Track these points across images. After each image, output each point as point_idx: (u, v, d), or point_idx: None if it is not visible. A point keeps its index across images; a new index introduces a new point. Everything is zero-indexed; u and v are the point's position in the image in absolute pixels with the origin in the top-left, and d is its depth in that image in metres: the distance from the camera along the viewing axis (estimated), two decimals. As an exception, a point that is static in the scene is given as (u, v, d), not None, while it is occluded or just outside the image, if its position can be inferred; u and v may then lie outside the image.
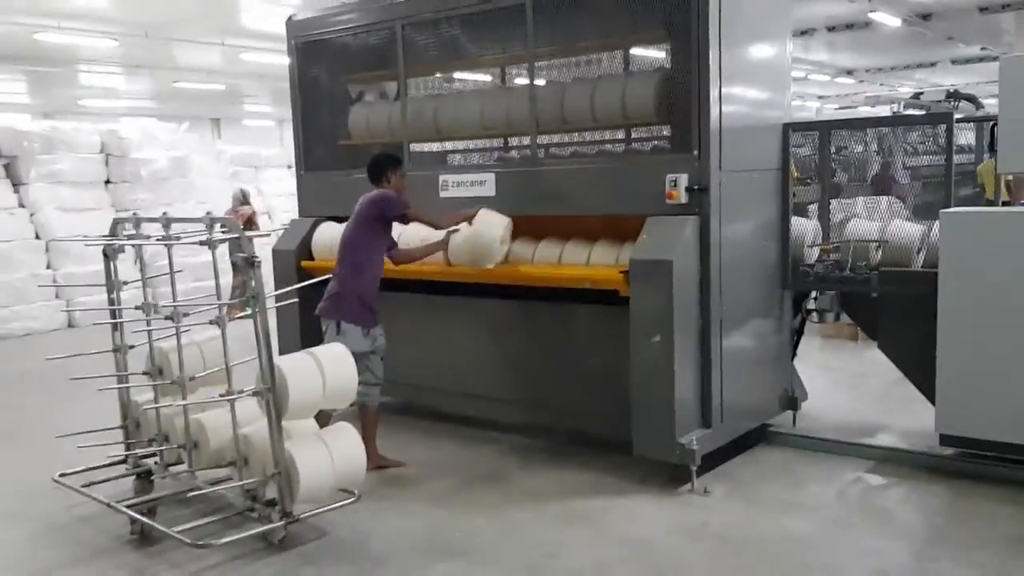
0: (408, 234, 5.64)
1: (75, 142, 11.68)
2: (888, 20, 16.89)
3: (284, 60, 19.41)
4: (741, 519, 4.40)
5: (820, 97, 33.61)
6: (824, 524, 4.31)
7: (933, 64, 25.71)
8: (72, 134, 11.75)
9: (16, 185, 11.28)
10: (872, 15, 16.51)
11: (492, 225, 5.28)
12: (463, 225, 5.36)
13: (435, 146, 6.58)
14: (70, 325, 11.02)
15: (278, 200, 17.25)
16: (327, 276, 4.97)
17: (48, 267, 11.08)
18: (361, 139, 6.49)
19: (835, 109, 36.01)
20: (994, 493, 4.57)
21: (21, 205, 11.20)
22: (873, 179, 10.34)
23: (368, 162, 5.30)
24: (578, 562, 3.97)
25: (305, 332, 5.71)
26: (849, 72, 27.12)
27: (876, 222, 5.94)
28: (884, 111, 19.49)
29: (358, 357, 4.51)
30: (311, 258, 6.30)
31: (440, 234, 5.35)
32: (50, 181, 11.37)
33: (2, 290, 10.49)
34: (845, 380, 7.07)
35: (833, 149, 8.33)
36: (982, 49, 22.96)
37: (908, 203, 7.49)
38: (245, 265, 3.95)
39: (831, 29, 18.65)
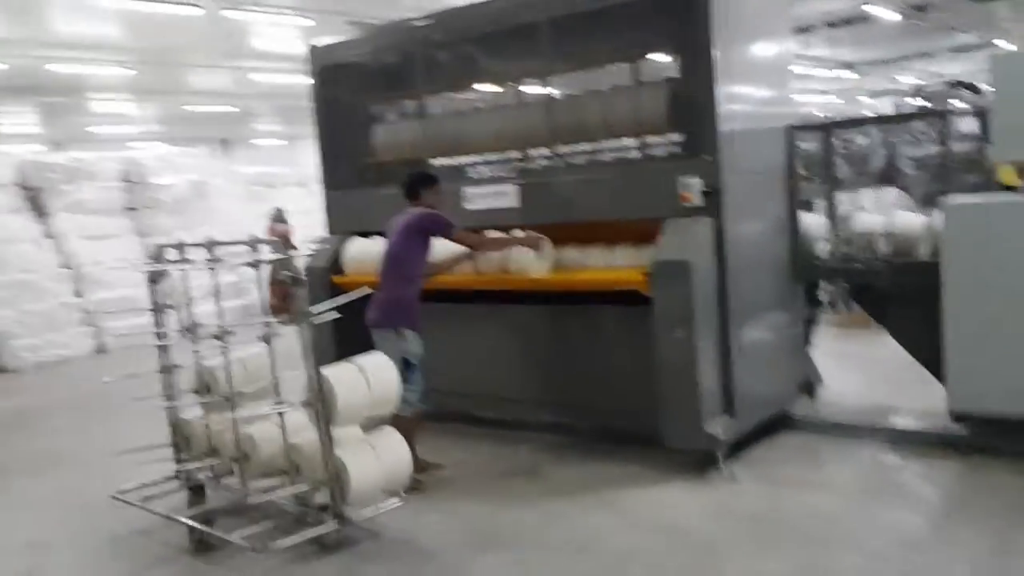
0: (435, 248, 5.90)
1: (96, 171, 11.99)
2: (885, 13, 17.14)
3: (293, 79, 19.75)
4: (767, 500, 4.65)
5: (823, 92, 33.83)
6: (845, 501, 4.56)
7: (931, 54, 25.92)
8: (93, 163, 12.07)
9: (41, 216, 11.60)
10: (869, 8, 16.76)
11: (525, 263, 5.55)
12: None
13: (457, 160, 6.83)
14: (99, 351, 11.31)
15: (294, 217, 17.53)
16: (365, 293, 5.12)
17: (77, 295, 11.37)
18: (385, 157, 6.77)
19: (838, 102, 36.30)
20: (1006, 465, 4.80)
21: (47, 236, 11.51)
22: (878, 171, 10.55)
23: (404, 180, 5.52)
24: (618, 546, 4.23)
25: (339, 345, 5.96)
26: (850, 66, 27.35)
27: (882, 214, 6.19)
28: (887, 103, 19.72)
29: (421, 361, 4.76)
30: (341, 273, 6.56)
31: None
32: (74, 211, 11.69)
33: (34, 319, 10.78)
34: (859, 366, 7.29)
35: (836, 146, 8.57)
36: (978, 37, 23.17)
37: (914, 193, 7.71)
38: (292, 284, 4.22)
39: (830, 25, 18.90)
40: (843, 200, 6.31)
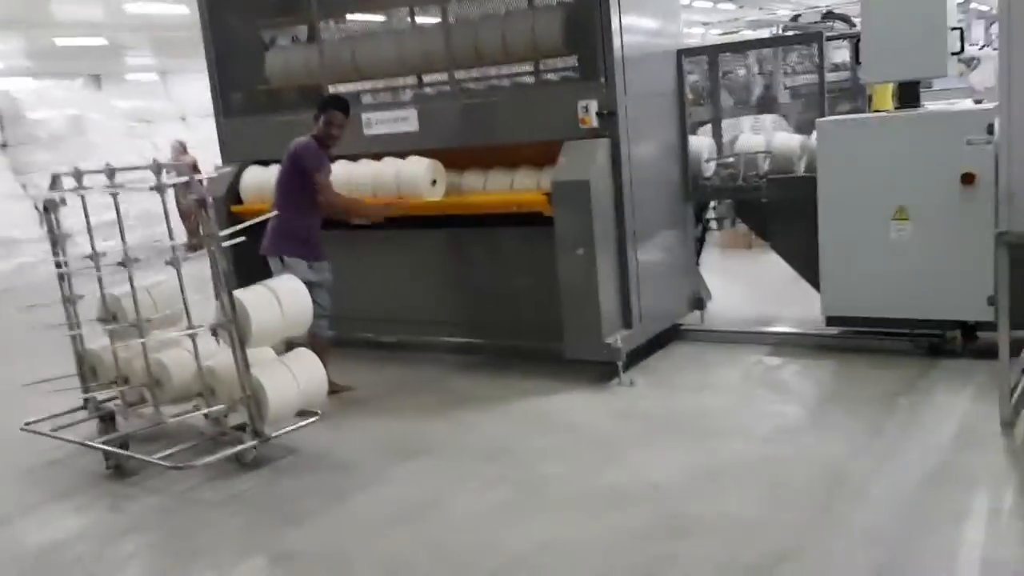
0: (359, 172, 5.97)
1: (-34, 107, 11.36)
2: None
3: (169, 9, 18.88)
4: (663, 402, 5.00)
5: (704, 24, 34.48)
6: (732, 398, 4.97)
7: (807, -14, 26.71)
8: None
9: (-93, 154, 10.95)
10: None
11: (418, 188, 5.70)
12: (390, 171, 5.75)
13: (354, 87, 6.81)
14: (-18, 288, 10.87)
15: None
16: (267, 216, 5.17)
17: (-50, 236, 10.86)
18: (279, 83, 6.70)
19: (719, 35, 37.07)
20: (873, 361, 5.30)
21: (-85, 174, 10.89)
22: (757, 100, 11.03)
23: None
24: (529, 447, 4.50)
25: (242, 272, 5.97)
26: (730, -2, 27.92)
27: (762, 136, 6.56)
28: (765, 35, 20.35)
29: (317, 287, 4.87)
30: (240, 202, 6.52)
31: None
32: (-57, 147, 11.08)
33: (-95, 262, 10.26)
34: (743, 282, 7.76)
35: (720, 74, 8.89)
36: (852, -32, 24.02)
37: (791, 120, 8.13)
38: (198, 207, 4.23)
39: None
40: (727, 124, 6.66)
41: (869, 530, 3.37)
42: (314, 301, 5.12)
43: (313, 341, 5.22)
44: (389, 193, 5.85)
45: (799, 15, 22.38)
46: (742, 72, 9.90)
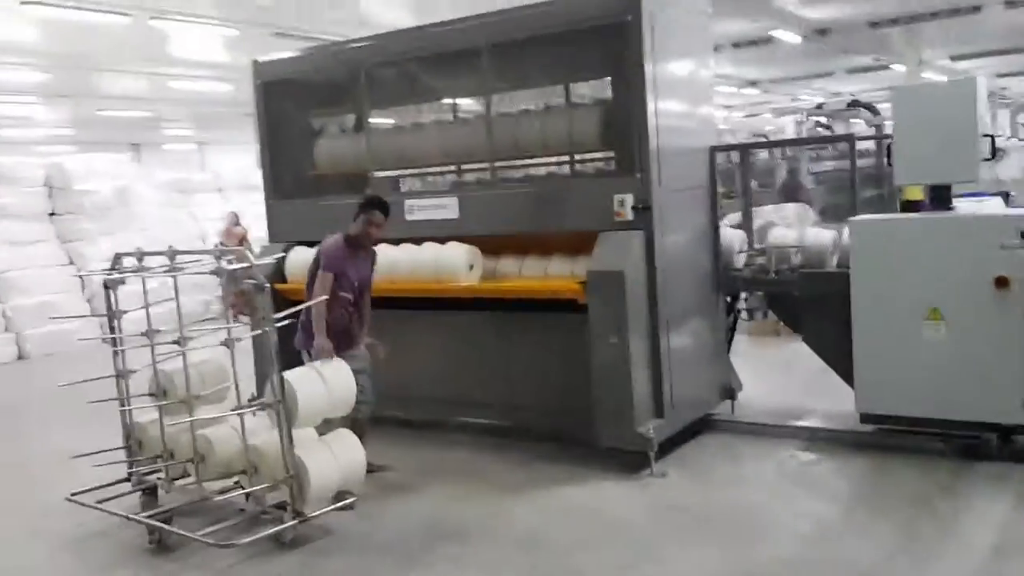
0: (399, 255, 6.19)
1: (19, 176, 11.82)
2: (789, 37, 18.07)
3: (210, 86, 19.70)
4: (695, 495, 5.05)
5: (727, 107, 35.14)
6: (765, 495, 5.00)
7: (831, 73, 27.29)
8: (16, 168, 11.88)
9: (-38, 222, 11.37)
10: (774, 33, 17.65)
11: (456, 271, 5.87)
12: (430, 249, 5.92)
13: (398, 174, 7.08)
14: (20, 357, 11.12)
15: (211, 224, 17.38)
16: (318, 301, 5.31)
17: (-5, 301, 11.17)
18: (327, 169, 6.98)
19: (742, 117, 37.71)
20: (907, 461, 5.31)
21: (-35, 240, 11.28)
22: (782, 186, 11.23)
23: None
24: (560, 538, 4.56)
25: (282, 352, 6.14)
26: (753, 83, 28.53)
27: (794, 228, 6.71)
28: (788, 121, 20.74)
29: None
30: (284, 281, 6.73)
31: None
32: (-3, 216, 11.50)
33: (-48, 326, 10.56)
34: (773, 371, 7.82)
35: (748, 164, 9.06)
36: (875, 59, 24.53)
37: (815, 207, 8.28)
38: (256, 291, 4.42)
39: (736, 45, 19.79)
40: (757, 215, 6.81)
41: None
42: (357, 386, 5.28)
43: (353, 423, 5.34)
44: (427, 276, 6.04)
45: (823, 103, 22.75)
46: (765, 156, 10.12)
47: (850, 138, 6.10)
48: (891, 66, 24.81)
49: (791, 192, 10.85)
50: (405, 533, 4.74)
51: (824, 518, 4.64)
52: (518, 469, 5.67)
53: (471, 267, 5.99)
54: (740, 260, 6.42)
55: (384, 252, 6.15)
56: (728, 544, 4.36)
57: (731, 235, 6.47)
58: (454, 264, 5.95)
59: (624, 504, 4.97)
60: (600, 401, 5.46)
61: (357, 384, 5.24)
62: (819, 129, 17.22)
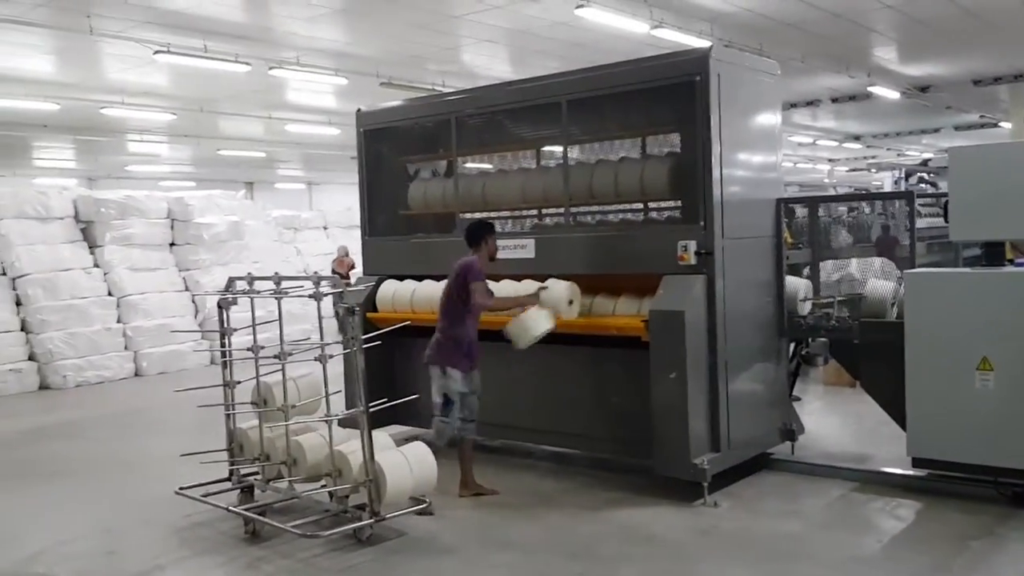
0: (503, 289, 6.60)
1: (146, 208, 12.98)
2: (887, 93, 18.08)
3: (320, 130, 21.05)
4: (743, 524, 5.36)
5: (830, 160, 34.88)
6: (811, 527, 5.28)
7: (937, 130, 26.91)
8: (143, 201, 13.05)
9: (92, 247, 12.53)
10: (872, 88, 17.71)
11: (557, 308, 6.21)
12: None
13: (481, 215, 7.66)
14: (137, 374, 12.13)
15: (314, 259, 18.41)
16: (402, 324, 5.92)
17: (118, 321, 12.23)
18: (418, 209, 7.64)
19: (845, 172, 37.32)
20: (955, 505, 5.50)
21: (96, 265, 12.42)
22: (876, 240, 11.33)
23: (466, 229, 6.22)
24: (610, 552, 4.95)
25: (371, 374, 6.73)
26: (856, 137, 28.37)
27: (861, 280, 6.96)
28: (887, 177, 20.63)
29: (460, 396, 5.63)
30: (375, 311, 7.36)
31: (532, 288, 6.23)
32: (122, 244, 12.63)
33: (80, 342, 11.63)
34: (840, 419, 8.01)
35: (845, 210, 9.29)
36: (980, 116, 24.15)
37: (902, 264, 8.40)
38: (346, 314, 5.02)
39: (835, 100, 19.91)
40: (828, 266, 7.08)
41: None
42: (466, 407, 5.85)
43: (461, 445, 5.87)
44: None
45: (930, 159, 22.42)
46: (866, 212, 10.23)
47: (910, 195, 6.37)
48: (1001, 124, 24.38)
49: (885, 248, 10.93)
50: (468, 539, 5.21)
51: (863, 549, 4.90)
52: (579, 492, 6.08)
53: (571, 302, 6.27)
54: (805, 308, 6.72)
55: (495, 286, 6.55)
56: (765, 565, 4.68)
57: (796, 283, 6.78)
58: (556, 299, 6.22)
59: (673, 527, 5.32)
60: (658, 432, 5.83)
61: (467, 406, 5.82)
62: (922, 185, 17.11)
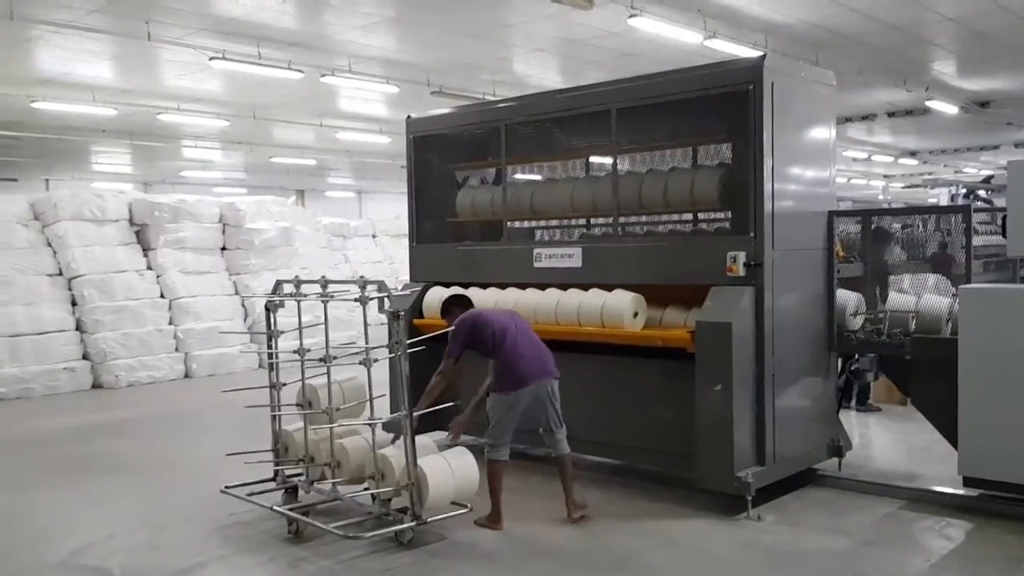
0: (566, 300, 6.59)
1: (198, 213, 13.22)
2: (945, 107, 17.74)
3: (370, 138, 21.31)
4: (787, 539, 5.27)
5: (885, 176, 34.31)
6: (857, 544, 5.17)
7: (996, 146, 26.35)
8: (196, 206, 13.30)
9: (146, 250, 12.81)
10: (930, 103, 17.39)
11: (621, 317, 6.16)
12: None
13: (529, 223, 7.69)
14: (187, 376, 12.35)
15: (363, 267, 18.62)
16: (446, 330, 5.88)
17: (170, 323, 12.46)
18: (466, 217, 7.67)
19: (901, 188, 36.67)
20: (1007, 526, 5.36)
21: (149, 267, 12.68)
22: (931, 257, 11.10)
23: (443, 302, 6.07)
24: (651, 564, 4.90)
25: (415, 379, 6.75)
26: (913, 153, 27.88)
27: (912, 296, 6.82)
28: (943, 192, 20.19)
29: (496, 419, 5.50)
30: (421, 317, 7.40)
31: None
32: (175, 247, 12.88)
33: (132, 342, 11.88)
34: (890, 436, 7.85)
35: (899, 226, 9.11)
36: (1048, 134, 23.57)
37: (960, 281, 8.21)
38: (392, 318, 5.06)
39: (891, 115, 19.58)
40: (892, 283, 6.93)
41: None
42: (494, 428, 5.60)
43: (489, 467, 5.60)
44: (593, 320, 6.34)
45: (992, 176, 21.94)
46: (926, 227, 10.04)
47: (966, 209, 6.23)
48: (1008, 162, 23.73)
49: (940, 265, 10.71)
50: (508, 547, 5.20)
51: (911, 568, 4.79)
52: (621, 502, 6.04)
53: (636, 314, 6.25)
54: (856, 322, 6.60)
55: (551, 295, 6.64)
56: (807, 581, 4.60)
57: (846, 297, 6.66)
58: (621, 311, 6.20)
59: (715, 540, 5.26)
60: (702, 444, 5.76)
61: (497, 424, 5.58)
62: (979, 203, 16.70)
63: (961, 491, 5.79)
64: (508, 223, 7.30)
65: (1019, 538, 5.15)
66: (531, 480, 6.44)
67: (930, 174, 31.62)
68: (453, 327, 5.62)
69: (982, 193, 17.40)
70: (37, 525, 5.87)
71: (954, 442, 5.85)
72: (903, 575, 4.68)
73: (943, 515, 5.64)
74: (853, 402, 8.78)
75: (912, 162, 29.17)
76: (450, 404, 5.66)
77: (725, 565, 4.87)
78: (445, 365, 5.55)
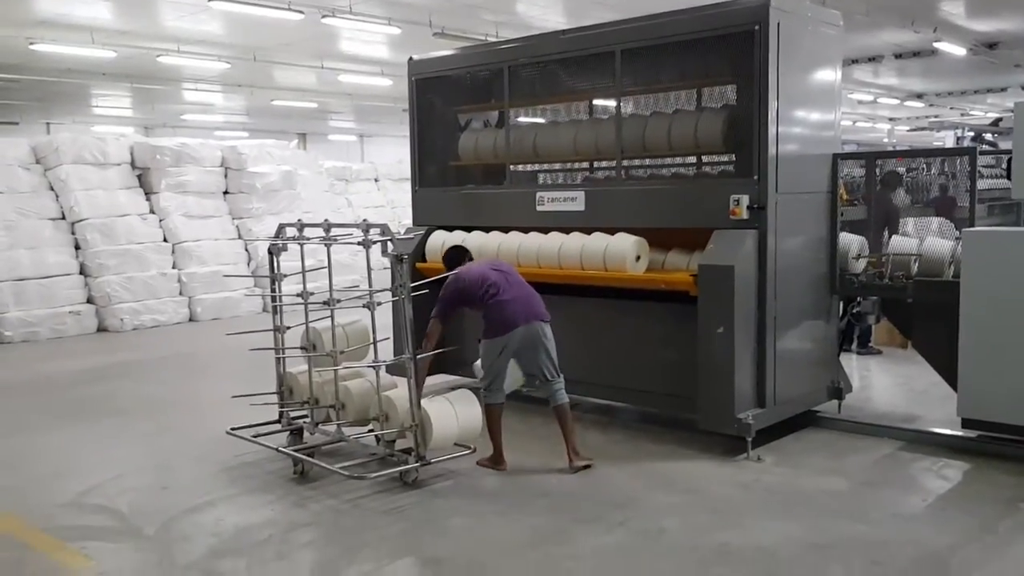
0: (570, 243, 6.54)
1: (199, 156, 13.16)
2: (953, 49, 17.47)
3: (372, 80, 20.98)
4: (786, 479, 5.35)
5: (891, 119, 33.96)
6: (855, 484, 5.25)
7: (1004, 89, 26.01)
8: (198, 149, 13.23)
9: (148, 194, 12.78)
10: (937, 44, 17.12)
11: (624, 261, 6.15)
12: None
13: (532, 167, 7.65)
14: (191, 319, 12.42)
15: (366, 211, 18.54)
16: (449, 274, 5.90)
17: (174, 267, 12.49)
18: (469, 160, 7.63)
19: (906, 131, 36.31)
20: (1004, 466, 5.43)
21: (152, 211, 12.66)
22: (934, 200, 11.09)
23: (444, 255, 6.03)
24: (653, 502, 4.98)
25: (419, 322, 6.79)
26: (919, 96, 27.52)
27: (915, 238, 6.81)
28: (948, 136, 20.01)
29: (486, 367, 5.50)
30: (424, 260, 7.41)
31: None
32: (177, 191, 12.85)
33: (136, 286, 11.92)
34: (890, 379, 7.90)
35: (904, 170, 9.05)
36: (1055, 76, 23.24)
37: (964, 224, 8.20)
38: (395, 261, 5.06)
39: (898, 56, 19.29)
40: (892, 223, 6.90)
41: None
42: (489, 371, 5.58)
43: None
44: (596, 264, 6.32)
45: (1000, 119, 21.68)
46: (925, 172, 10.00)
47: (972, 151, 6.19)
48: (1015, 103, 23.42)
49: (944, 208, 10.68)
50: (511, 486, 5.29)
51: (908, 507, 4.87)
52: (620, 444, 6.12)
53: (638, 258, 6.22)
54: (858, 265, 6.60)
55: (552, 239, 6.62)
56: (806, 519, 4.68)
57: (849, 240, 6.65)
58: (623, 254, 6.17)
59: (716, 480, 5.33)
60: (703, 386, 5.81)
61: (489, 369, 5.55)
62: (984, 146, 16.59)
63: (959, 432, 5.85)
64: (511, 166, 7.26)
65: (1016, 478, 5.22)
66: (532, 423, 6.50)
67: (936, 117, 31.31)
68: (441, 290, 5.58)
69: (988, 136, 17.29)
70: (46, 466, 5.96)
71: (954, 384, 5.90)
72: (900, 514, 4.75)
73: (941, 456, 5.71)
74: (854, 345, 8.84)
75: (918, 104, 28.83)
76: (453, 348, 5.70)
77: (724, 504, 4.95)
78: (433, 325, 5.48)
